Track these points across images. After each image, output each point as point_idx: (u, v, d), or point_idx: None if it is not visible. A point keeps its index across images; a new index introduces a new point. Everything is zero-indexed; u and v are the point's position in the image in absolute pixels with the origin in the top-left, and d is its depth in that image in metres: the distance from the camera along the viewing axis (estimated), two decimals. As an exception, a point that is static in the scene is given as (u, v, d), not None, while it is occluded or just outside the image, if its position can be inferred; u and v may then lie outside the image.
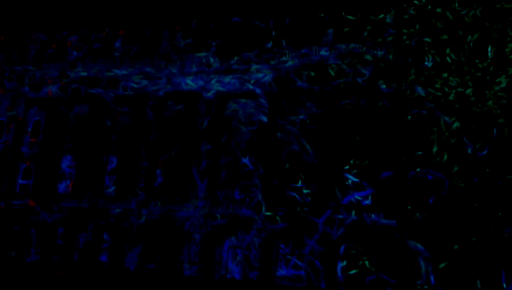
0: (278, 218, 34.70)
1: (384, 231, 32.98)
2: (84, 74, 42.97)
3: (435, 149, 34.14)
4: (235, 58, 39.38)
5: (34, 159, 44.63)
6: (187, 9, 45.55)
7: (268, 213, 34.98)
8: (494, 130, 33.68)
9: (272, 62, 37.73)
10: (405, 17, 36.73)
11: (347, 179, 35.09)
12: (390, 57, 35.35)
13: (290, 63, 37.26)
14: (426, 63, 35.93)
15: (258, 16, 41.96)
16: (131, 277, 35.28)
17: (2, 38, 48.53)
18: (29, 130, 46.01)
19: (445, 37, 35.91)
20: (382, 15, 37.34)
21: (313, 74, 36.79)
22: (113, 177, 42.78)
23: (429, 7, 36.39)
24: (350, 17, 38.58)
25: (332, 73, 36.26)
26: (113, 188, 42.66)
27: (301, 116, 39.42)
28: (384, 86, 35.14)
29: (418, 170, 34.29)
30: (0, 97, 45.75)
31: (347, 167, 35.17)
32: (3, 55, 48.67)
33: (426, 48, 36.48)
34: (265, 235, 34.70)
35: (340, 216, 33.67)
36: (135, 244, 37.45)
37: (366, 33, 37.51)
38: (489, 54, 34.86)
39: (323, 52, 36.86)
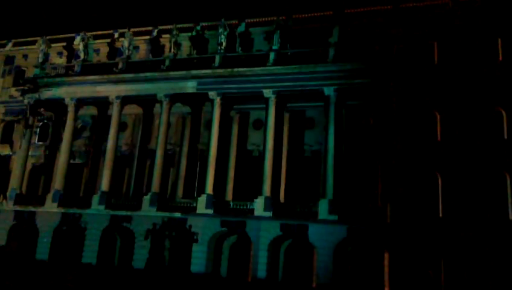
0: (284, 219, 34.71)
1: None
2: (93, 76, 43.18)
3: None
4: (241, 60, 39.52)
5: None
6: (193, 14, 45.76)
7: (276, 215, 35.00)
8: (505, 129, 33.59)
9: (274, 68, 37.66)
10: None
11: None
12: None
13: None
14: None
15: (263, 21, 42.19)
16: (140, 275, 35.52)
17: None
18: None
19: None
20: None
21: None
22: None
23: None
24: None
25: None
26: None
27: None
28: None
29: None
30: None
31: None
32: None
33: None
34: (272, 238, 34.69)
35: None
36: (145, 245, 37.55)
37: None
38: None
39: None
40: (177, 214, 37.48)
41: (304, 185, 38.01)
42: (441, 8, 37.52)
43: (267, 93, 37.51)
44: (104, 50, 47.69)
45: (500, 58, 34.81)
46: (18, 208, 42.10)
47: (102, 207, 39.54)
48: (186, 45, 44.28)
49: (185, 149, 42.44)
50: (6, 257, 39.82)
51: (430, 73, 35.82)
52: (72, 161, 43.57)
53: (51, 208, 40.99)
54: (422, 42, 37.13)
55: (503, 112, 33.94)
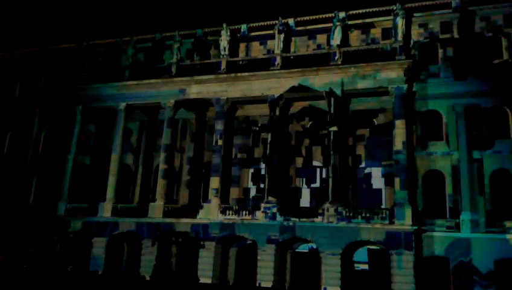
0: (291, 225, 34.52)
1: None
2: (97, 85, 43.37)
3: None
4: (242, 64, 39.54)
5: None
6: (194, 20, 45.79)
7: (281, 220, 34.84)
8: None
9: (277, 72, 37.56)
10: None
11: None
12: None
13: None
14: None
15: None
16: (147, 284, 35.39)
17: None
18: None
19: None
20: None
21: None
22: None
23: None
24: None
25: None
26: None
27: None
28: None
29: None
30: None
31: None
32: None
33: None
34: (278, 242, 34.50)
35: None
36: (152, 252, 37.49)
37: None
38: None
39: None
40: (184, 220, 37.41)
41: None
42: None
43: (271, 96, 37.48)
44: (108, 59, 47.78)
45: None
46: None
47: (108, 214, 39.63)
48: (189, 51, 44.39)
49: (190, 154, 42.41)
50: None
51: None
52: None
53: (57, 216, 41.06)
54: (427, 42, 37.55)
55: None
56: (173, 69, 41.14)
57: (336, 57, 36.27)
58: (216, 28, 43.16)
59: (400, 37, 35.36)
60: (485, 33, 36.32)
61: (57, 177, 43.43)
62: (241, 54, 42.33)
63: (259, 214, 35.44)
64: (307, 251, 36.77)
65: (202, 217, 36.86)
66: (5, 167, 47.15)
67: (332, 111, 35.75)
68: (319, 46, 40.41)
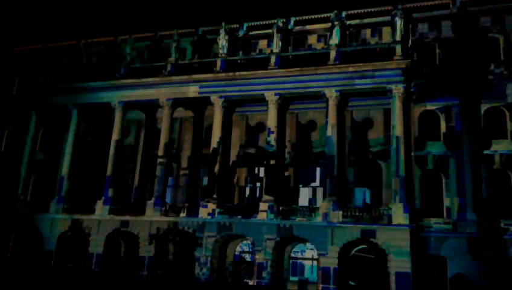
0: (288, 224, 34.48)
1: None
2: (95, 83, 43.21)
3: None
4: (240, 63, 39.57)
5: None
6: (194, 19, 45.83)
7: (280, 219, 34.81)
8: None
9: (275, 71, 37.59)
10: None
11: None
12: None
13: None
14: None
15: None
16: (144, 282, 35.37)
17: None
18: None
19: None
20: None
21: None
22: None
23: None
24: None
25: None
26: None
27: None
28: None
29: None
30: None
31: None
32: None
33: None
34: (277, 241, 34.48)
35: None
36: (149, 250, 37.45)
37: None
38: None
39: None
40: (181, 219, 37.32)
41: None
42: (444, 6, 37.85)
43: (269, 96, 37.49)
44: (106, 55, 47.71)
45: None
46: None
47: (106, 212, 39.56)
48: (188, 50, 44.38)
49: (188, 153, 42.40)
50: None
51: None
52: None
53: (54, 214, 40.96)
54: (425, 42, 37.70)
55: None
56: (170, 68, 41.11)
57: (334, 57, 36.34)
58: (215, 27, 43.13)
59: (398, 37, 35.33)
60: (484, 34, 36.53)
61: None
62: (240, 53, 42.27)
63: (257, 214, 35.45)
64: (304, 249, 36.80)
65: (201, 215, 36.73)
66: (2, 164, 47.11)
67: (330, 110, 35.83)
68: (317, 46, 40.54)
